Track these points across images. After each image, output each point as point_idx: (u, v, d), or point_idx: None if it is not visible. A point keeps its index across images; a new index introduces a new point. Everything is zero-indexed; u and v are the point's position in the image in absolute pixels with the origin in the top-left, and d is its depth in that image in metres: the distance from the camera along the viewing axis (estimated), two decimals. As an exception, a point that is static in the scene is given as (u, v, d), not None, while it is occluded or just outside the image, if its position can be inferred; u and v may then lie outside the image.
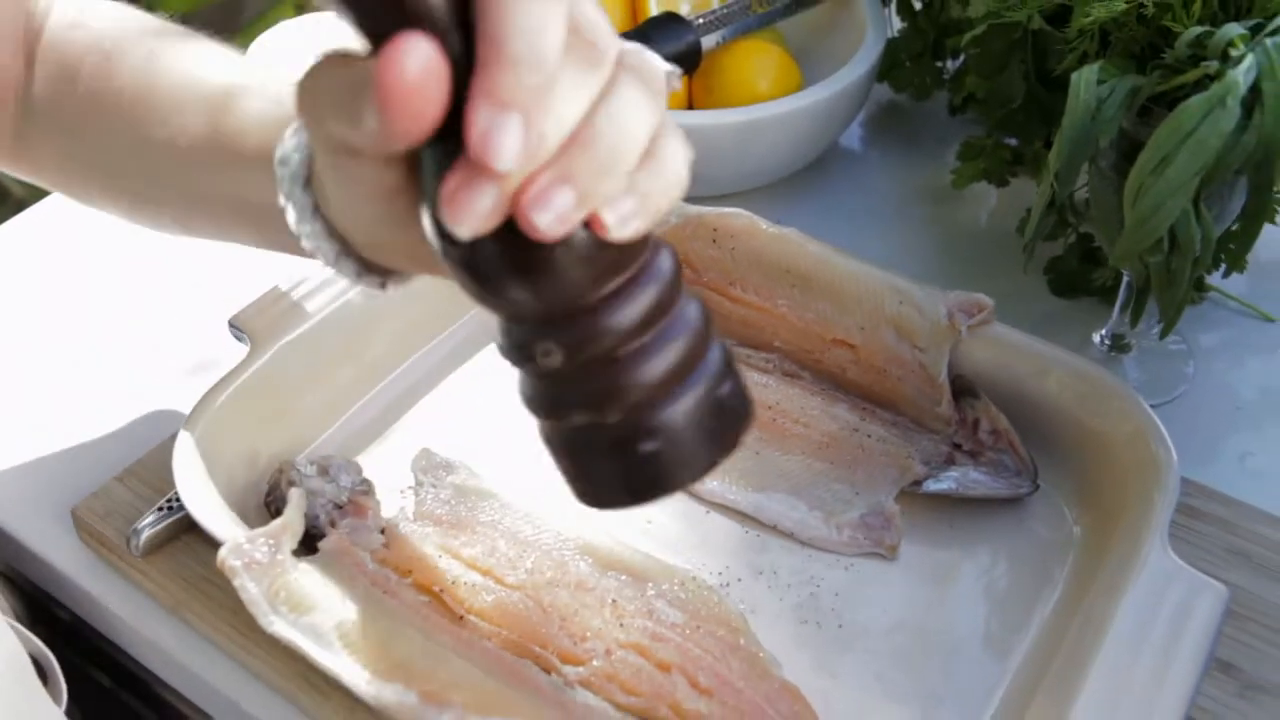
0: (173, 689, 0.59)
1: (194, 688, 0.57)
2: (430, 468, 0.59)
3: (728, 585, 0.57)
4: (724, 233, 0.66)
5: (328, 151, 0.35)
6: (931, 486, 0.59)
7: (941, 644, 0.54)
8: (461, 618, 0.53)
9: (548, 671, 0.51)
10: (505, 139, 0.28)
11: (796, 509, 0.59)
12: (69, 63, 0.53)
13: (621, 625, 0.53)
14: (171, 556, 0.58)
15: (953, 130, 0.85)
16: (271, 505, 0.57)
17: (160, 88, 0.50)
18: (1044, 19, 0.68)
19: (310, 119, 0.34)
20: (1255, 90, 0.53)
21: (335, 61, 0.32)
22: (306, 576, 0.51)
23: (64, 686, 0.53)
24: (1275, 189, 0.58)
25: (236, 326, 0.61)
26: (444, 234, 0.31)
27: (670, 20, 0.78)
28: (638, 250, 0.32)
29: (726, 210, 0.66)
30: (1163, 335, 0.60)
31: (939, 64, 0.86)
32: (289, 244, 0.44)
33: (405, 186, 0.34)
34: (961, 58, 0.83)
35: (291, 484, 0.56)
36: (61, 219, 0.81)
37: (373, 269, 0.43)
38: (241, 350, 0.60)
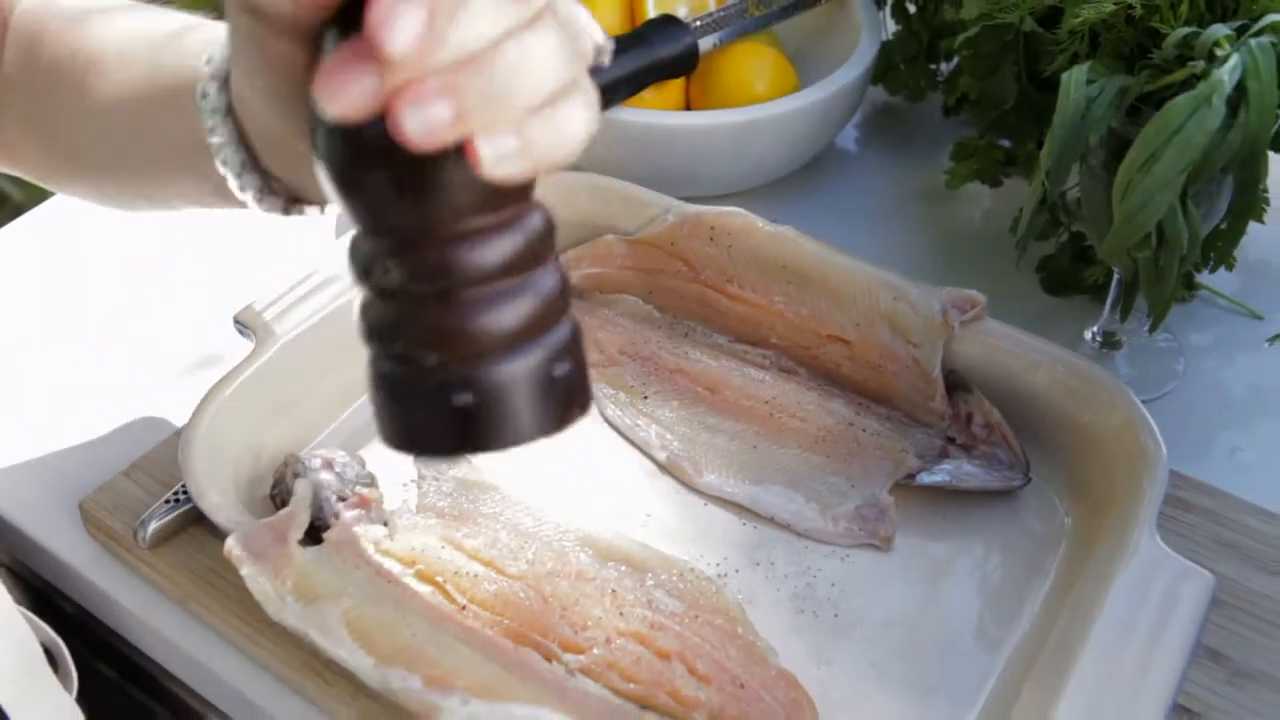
0: (179, 680, 0.60)
1: (200, 678, 0.58)
2: (431, 460, 0.60)
3: (725, 576, 0.58)
4: (721, 231, 0.67)
5: (240, 13, 0.35)
6: (925, 479, 0.60)
7: (935, 632, 0.55)
8: (464, 607, 0.54)
9: (549, 660, 0.52)
10: (404, 23, 0.27)
11: (793, 501, 0.60)
12: (34, 34, 0.54)
13: (621, 614, 0.54)
14: (178, 549, 0.58)
15: (946, 131, 0.86)
16: (277, 498, 0.58)
17: (110, 45, 0.52)
18: (1035, 21, 0.69)
19: None
20: (1240, 89, 0.54)
21: None
22: (312, 566, 0.52)
23: (74, 674, 0.54)
24: (1261, 187, 0.59)
25: (241, 323, 0.62)
26: (317, 116, 0.30)
27: (668, 22, 0.78)
28: (509, 197, 0.30)
29: (724, 209, 0.67)
30: (1151, 330, 0.61)
31: (933, 66, 0.87)
32: (224, 187, 0.46)
33: (309, 70, 0.33)
34: (955, 60, 0.84)
35: (297, 476, 0.57)
36: (68, 220, 0.82)
37: (275, 189, 0.45)
38: (246, 347, 0.61)
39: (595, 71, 0.33)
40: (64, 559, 0.61)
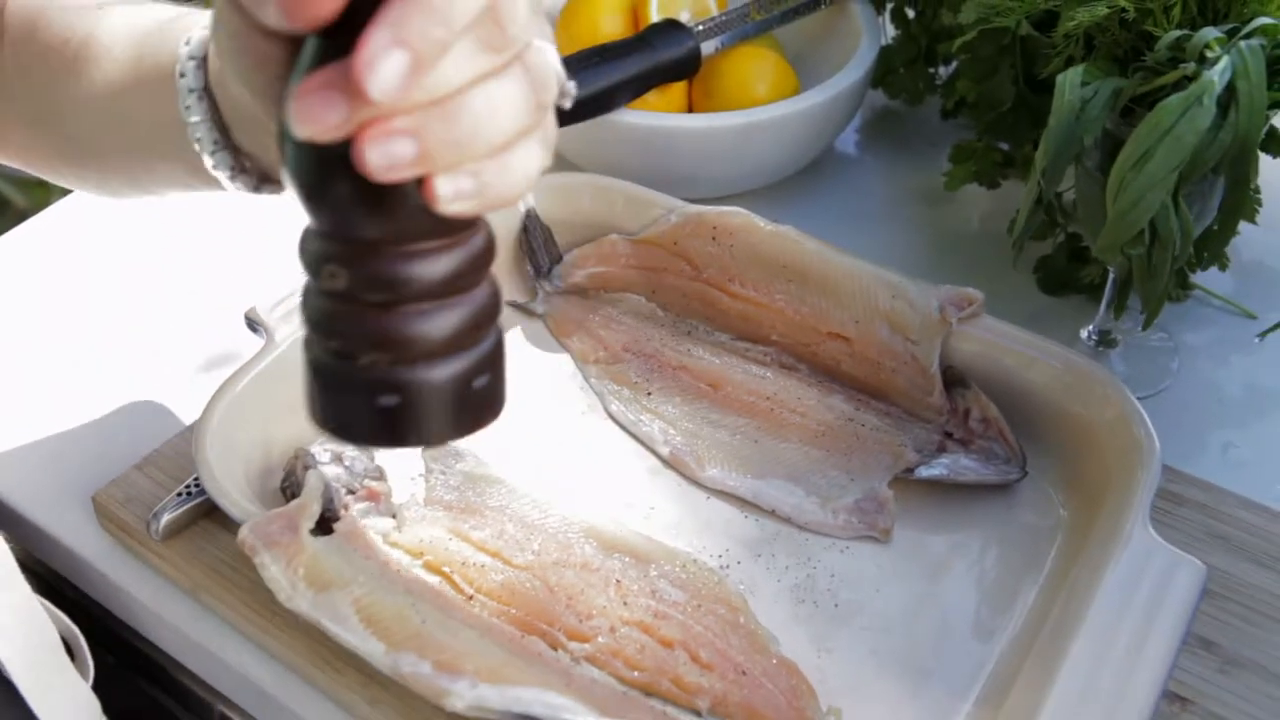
0: (189, 671, 0.61)
1: (211, 669, 0.58)
2: (440, 455, 0.61)
3: (728, 567, 0.59)
4: (723, 230, 0.68)
5: (227, 7, 0.36)
6: (924, 473, 0.61)
7: (933, 622, 0.56)
8: (471, 597, 0.55)
9: (555, 648, 0.53)
10: (389, 71, 0.28)
11: (794, 494, 0.61)
12: (29, 23, 0.55)
13: (625, 604, 0.55)
14: (190, 541, 0.59)
15: (945, 134, 0.87)
16: (287, 490, 0.59)
17: (102, 34, 0.53)
18: (1031, 25, 0.70)
19: None
20: (1231, 90, 0.56)
21: None
22: (323, 555, 0.53)
23: (90, 663, 0.55)
24: (1251, 186, 0.60)
25: (252, 320, 0.63)
26: (284, 126, 0.31)
27: (671, 27, 0.80)
28: (458, 226, 0.32)
29: (726, 209, 0.68)
30: (1145, 325, 0.62)
31: (931, 70, 0.88)
32: (200, 168, 0.47)
33: (286, 66, 0.33)
34: (953, 64, 0.85)
35: (307, 469, 0.57)
36: (82, 222, 0.83)
37: (246, 168, 0.47)
38: (257, 343, 0.62)
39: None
40: (77, 551, 0.62)
